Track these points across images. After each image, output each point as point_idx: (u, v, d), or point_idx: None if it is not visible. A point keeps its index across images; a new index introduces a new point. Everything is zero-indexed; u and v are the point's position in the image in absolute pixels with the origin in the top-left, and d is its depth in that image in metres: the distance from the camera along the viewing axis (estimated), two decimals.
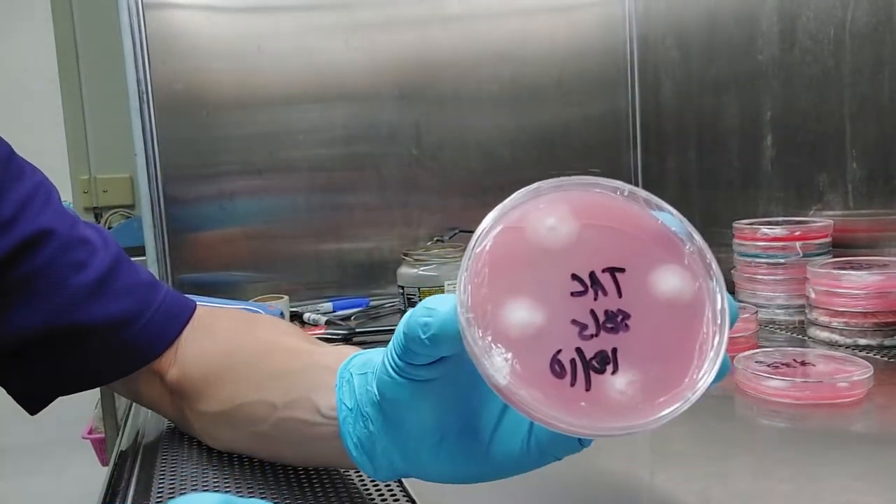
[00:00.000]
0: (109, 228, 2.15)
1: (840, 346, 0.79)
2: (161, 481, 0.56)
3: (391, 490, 0.52)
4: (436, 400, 0.40)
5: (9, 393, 0.59)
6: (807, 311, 0.84)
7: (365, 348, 0.49)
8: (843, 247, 0.90)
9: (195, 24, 1.15)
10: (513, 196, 0.33)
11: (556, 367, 0.31)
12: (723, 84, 1.11)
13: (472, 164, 1.27)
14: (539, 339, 0.31)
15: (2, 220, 0.53)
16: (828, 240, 0.90)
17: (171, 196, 1.14)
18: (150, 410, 0.68)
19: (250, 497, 0.52)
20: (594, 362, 0.31)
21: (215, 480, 0.55)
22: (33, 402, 0.60)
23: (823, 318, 0.81)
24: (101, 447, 1.90)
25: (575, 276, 0.32)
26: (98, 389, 1.43)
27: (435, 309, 0.35)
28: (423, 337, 0.35)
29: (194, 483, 0.55)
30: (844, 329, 0.79)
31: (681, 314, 0.32)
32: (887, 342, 0.78)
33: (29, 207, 0.55)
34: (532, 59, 1.28)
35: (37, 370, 0.58)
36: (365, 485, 0.53)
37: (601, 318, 0.32)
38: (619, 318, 0.32)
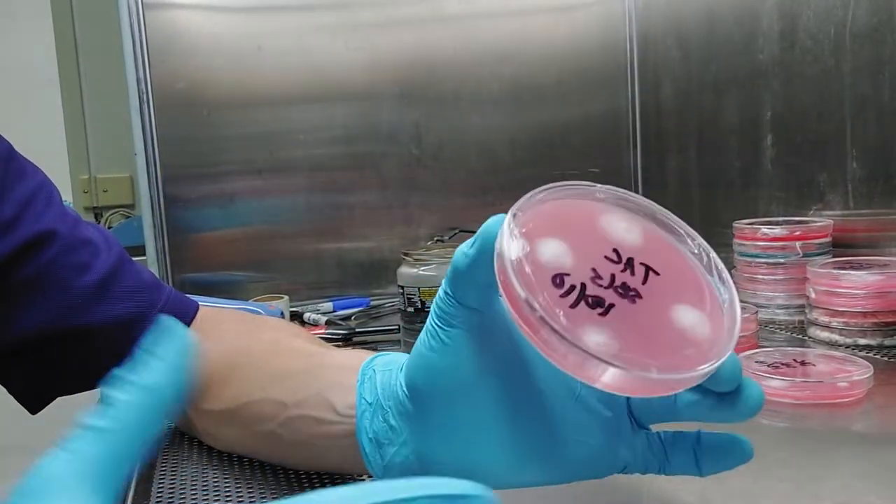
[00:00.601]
0: (109, 228, 2.15)
1: (840, 345, 0.79)
2: (161, 481, 0.56)
3: None
4: (484, 367, 0.39)
5: (9, 392, 0.59)
6: (807, 311, 0.84)
7: (365, 349, 0.49)
8: (843, 247, 0.90)
9: (195, 23, 1.15)
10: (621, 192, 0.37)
11: (557, 280, 0.33)
12: (723, 83, 1.11)
13: (472, 163, 1.27)
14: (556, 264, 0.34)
15: (3, 222, 0.53)
16: (828, 240, 0.90)
17: (171, 196, 1.14)
18: None
19: (251, 500, 0.52)
20: (588, 297, 0.33)
21: (215, 481, 0.55)
22: (34, 401, 0.60)
23: (823, 318, 0.81)
24: None
25: (615, 251, 0.35)
26: (98, 389, 1.42)
27: (477, 236, 0.36)
28: (467, 254, 0.36)
29: (194, 483, 0.55)
30: (844, 329, 0.79)
31: (682, 341, 0.34)
32: (887, 342, 0.78)
33: (31, 208, 0.55)
34: (532, 59, 1.28)
35: (38, 371, 0.58)
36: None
37: (617, 282, 0.34)
38: (632, 294, 0.34)
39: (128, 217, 2.18)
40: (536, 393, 0.39)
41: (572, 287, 0.33)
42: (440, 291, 0.39)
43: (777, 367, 0.67)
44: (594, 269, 0.34)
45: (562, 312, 0.32)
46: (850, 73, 0.89)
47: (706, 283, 0.37)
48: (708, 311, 0.36)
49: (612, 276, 0.34)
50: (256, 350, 0.57)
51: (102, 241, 0.58)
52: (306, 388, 0.49)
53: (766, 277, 0.91)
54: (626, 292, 0.34)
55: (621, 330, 0.33)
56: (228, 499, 0.52)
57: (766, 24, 1.01)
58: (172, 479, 0.56)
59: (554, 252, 0.34)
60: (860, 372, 0.64)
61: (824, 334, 0.81)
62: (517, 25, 1.28)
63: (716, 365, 0.33)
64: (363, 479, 0.54)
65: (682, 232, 0.38)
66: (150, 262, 1.14)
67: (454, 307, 0.38)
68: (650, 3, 1.27)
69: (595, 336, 0.32)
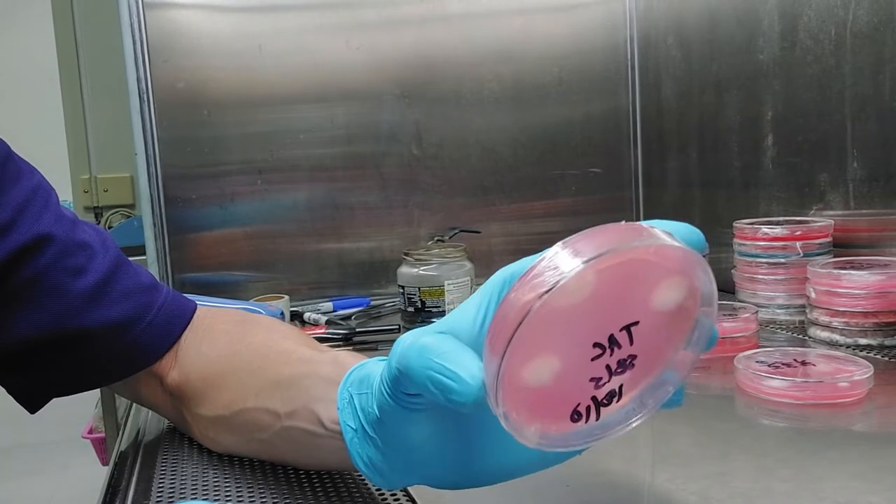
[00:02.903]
0: (109, 228, 2.15)
1: (840, 345, 0.79)
2: (161, 481, 0.56)
3: (391, 490, 0.52)
4: (434, 420, 0.40)
5: (8, 392, 0.59)
6: (807, 310, 0.84)
7: (365, 348, 0.49)
8: (843, 246, 0.90)
9: (196, 23, 1.15)
10: (540, 261, 0.33)
11: (575, 416, 0.35)
12: (724, 83, 1.11)
13: (472, 163, 1.27)
14: (560, 398, 0.34)
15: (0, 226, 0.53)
16: (828, 240, 0.90)
17: (171, 195, 1.14)
18: (150, 410, 0.68)
19: (251, 500, 0.52)
20: (604, 400, 0.35)
21: (216, 481, 0.55)
22: (32, 401, 0.60)
23: (824, 318, 0.81)
24: (102, 447, 1.91)
25: (596, 344, 0.34)
26: (98, 389, 1.43)
27: (456, 372, 0.34)
28: (442, 397, 0.34)
29: (195, 483, 0.55)
30: (845, 329, 0.79)
31: (671, 322, 0.36)
32: (888, 342, 0.78)
33: (27, 211, 0.54)
34: (533, 58, 1.28)
35: (35, 373, 0.58)
36: (366, 485, 0.53)
37: (614, 367, 0.35)
38: (629, 361, 0.35)
39: (128, 217, 2.18)
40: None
41: (588, 410, 0.36)
42: (383, 383, 0.40)
43: (778, 367, 0.67)
44: (592, 377, 0.35)
45: (597, 432, 0.37)
46: (851, 73, 0.89)
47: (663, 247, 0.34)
48: (678, 269, 0.35)
49: (608, 368, 0.35)
50: (249, 355, 0.57)
51: (99, 244, 0.58)
52: (296, 399, 0.50)
53: (766, 277, 0.91)
54: (624, 367, 0.35)
55: (636, 383, 0.37)
56: (228, 499, 0.52)
57: (766, 24, 1.01)
58: (172, 480, 0.56)
59: (545, 383, 0.34)
60: (861, 372, 0.64)
61: (825, 334, 0.81)
62: (518, 25, 1.28)
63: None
64: (362, 476, 0.54)
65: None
66: (151, 262, 1.14)
67: (402, 396, 0.39)
68: (651, 3, 1.27)
69: (622, 407, 0.37)
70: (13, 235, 0.53)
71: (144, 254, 1.14)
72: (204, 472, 0.57)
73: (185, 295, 0.64)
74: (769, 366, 0.67)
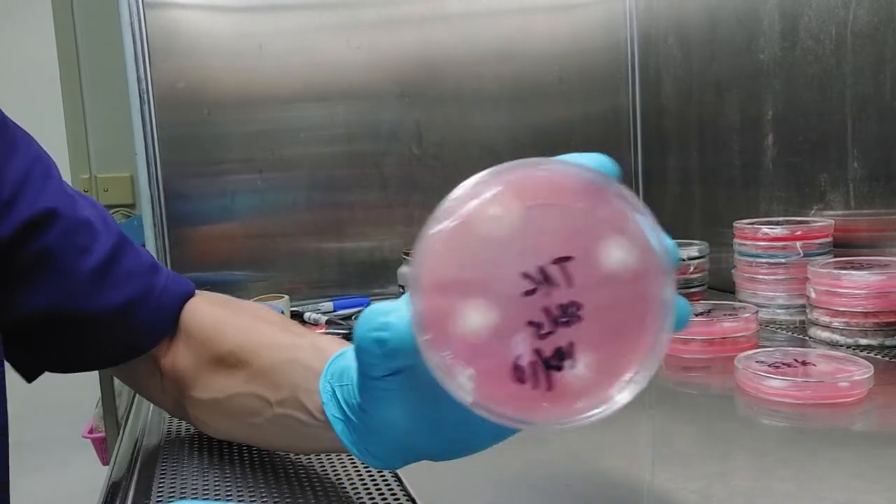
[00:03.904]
0: None
1: (841, 345, 0.79)
2: (162, 481, 0.56)
3: (391, 490, 0.52)
4: (410, 400, 0.40)
5: (7, 360, 0.58)
6: (807, 310, 0.84)
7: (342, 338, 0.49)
8: (843, 246, 0.90)
9: (196, 22, 1.15)
10: (456, 190, 0.32)
11: (518, 373, 0.31)
12: (724, 83, 1.11)
13: (473, 162, 1.27)
14: (498, 346, 0.31)
15: (1, 202, 0.52)
16: (828, 239, 0.90)
17: (171, 195, 1.14)
18: (150, 410, 0.68)
19: (252, 500, 0.52)
20: (552, 360, 0.32)
21: (216, 481, 0.55)
22: (30, 371, 0.59)
23: (824, 318, 0.81)
24: (102, 446, 1.91)
25: (525, 275, 0.31)
26: (99, 388, 1.43)
27: (389, 322, 0.34)
28: (378, 352, 0.34)
29: (195, 483, 0.55)
30: (845, 329, 0.79)
31: (628, 285, 0.32)
32: (888, 342, 0.78)
33: (28, 186, 0.53)
34: (533, 58, 1.28)
35: (35, 350, 0.57)
36: (366, 485, 0.53)
37: (555, 314, 0.31)
38: (573, 310, 0.32)
39: (128, 216, 2.18)
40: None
41: (533, 367, 0.32)
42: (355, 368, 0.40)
43: (778, 366, 0.67)
44: (529, 321, 0.31)
45: (545, 403, 0.32)
46: (852, 73, 0.89)
47: (604, 193, 0.32)
48: (629, 228, 0.32)
49: (547, 311, 0.31)
50: (234, 337, 0.57)
51: (101, 222, 0.58)
52: (283, 387, 0.50)
53: (766, 277, 0.91)
54: (569, 316, 0.32)
55: (590, 346, 0.32)
56: (229, 498, 0.52)
57: (767, 24, 1.01)
58: (173, 479, 0.56)
59: (479, 328, 0.31)
60: (861, 372, 0.64)
61: (825, 334, 0.81)
62: (518, 24, 1.28)
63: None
64: (361, 477, 0.54)
65: (539, 160, 0.33)
66: None
67: (368, 381, 0.39)
68: (651, 2, 1.27)
69: (577, 373, 0.32)
70: (16, 212, 0.52)
71: None
72: (204, 472, 0.57)
73: (182, 276, 0.64)
74: (769, 366, 0.67)
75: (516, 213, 0.31)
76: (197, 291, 0.63)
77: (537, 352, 0.31)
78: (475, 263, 0.31)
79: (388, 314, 0.34)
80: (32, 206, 0.53)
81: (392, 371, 0.37)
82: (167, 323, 0.60)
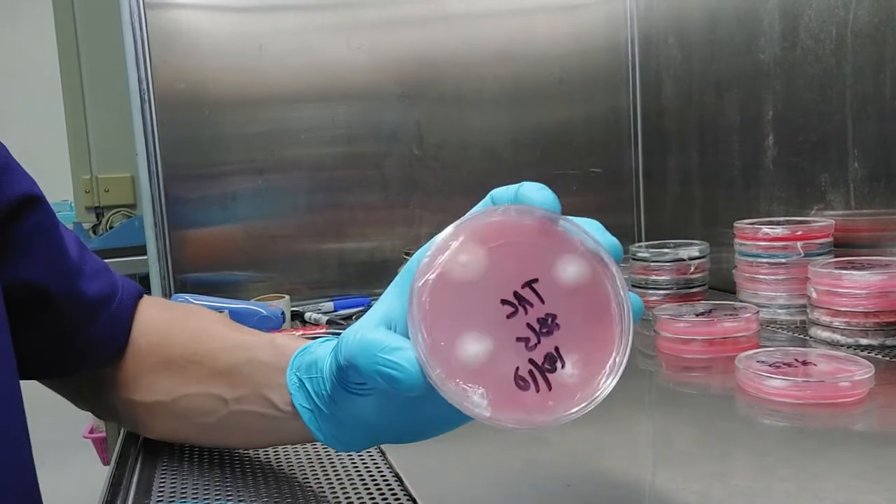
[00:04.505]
0: (111, 228, 2.15)
1: (841, 345, 0.79)
2: (162, 481, 0.56)
3: (392, 489, 0.52)
4: (380, 397, 0.42)
5: None
6: (808, 310, 0.84)
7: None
8: (844, 246, 0.90)
9: (196, 23, 1.15)
10: (427, 247, 0.38)
11: (520, 382, 0.36)
12: (724, 83, 1.11)
13: (473, 163, 1.27)
14: (498, 364, 0.36)
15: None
16: (829, 239, 0.90)
17: (172, 195, 1.14)
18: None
19: (252, 500, 0.52)
20: (546, 365, 0.37)
21: (216, 481, 0.55)
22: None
23: (825, 318, 0.81)
24: (102, 446, 1.91)
25: (504, 301, 0.37)
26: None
27: (398, 363, 0.36)
28: (389, 386, 0.37)
29: (195, 483, 0.55)
30: (846, 329, 0.79)
31: (588, 292, 0.38)
32: (889, 342, 0.78)
33: (8, 170, 0.52)
34: (533, 58, 1.28)
35: (23, 336, 0.53)
36: (366, 485, 0.53)
37: (537, 327, 0.37)
38: (550, 321, 0.37)
39: (129, 217, 2.18)
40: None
41: (532, 375, 0.37)
42: (332, 375, 0.44)
43: (778, 366, 0.67)
44: (518, 338, 0.37)
45: (551, 402, 0.36)
46: (852, 73, 0.89)
47: (548, 227, 0.39)
48: (577, 250, 0.38)
49: (530, 326, 0.37)
50: (183, 340, 0.57)
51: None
52: (241, 384, 0.52)
53: (767, 277, 0.91)
54: (548, 326, 0.37)
55: (573, 348, 0.37)
56: (230, 498, 0.52)
57: (767, 24, 1.01)
58: (174, 480, 0.56)
59: (478, 354, 0.36)
60: (861, 372, 0.64)
61: (826, 334, 0.81)
62: (519, 25, 1.28)
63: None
64: (362, 477, 0.54)
65: (490, 210, 0.39)
66: (151, 262, 1.14)
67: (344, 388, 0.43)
68: (652, 3, 1.27)
69: (568, 373, 0.37)
70: (10, 186, 0.52)
71: (145, 253, 1.14)
72: (204, 473, 0.57)
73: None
74: (770, 365, 0.67)
75: (481, 256, 0.37)
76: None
77: (531, 361, 0.37)
78: (460, 303, 0.37)
79: (394, 352, 0.37)
80: (17, 190, 0.52)
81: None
82: (129, 322, 0.59)
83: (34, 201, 0.53)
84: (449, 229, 0.38)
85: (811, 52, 0.94)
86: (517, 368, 0.36)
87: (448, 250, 0.37)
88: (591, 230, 0.39)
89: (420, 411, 0.43)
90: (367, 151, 1.23)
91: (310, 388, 0.47)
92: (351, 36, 1.21)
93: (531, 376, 0.36)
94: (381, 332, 0.38)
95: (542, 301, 0.37)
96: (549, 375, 0.37)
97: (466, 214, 0.39)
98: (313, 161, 1.21)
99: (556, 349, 0.37)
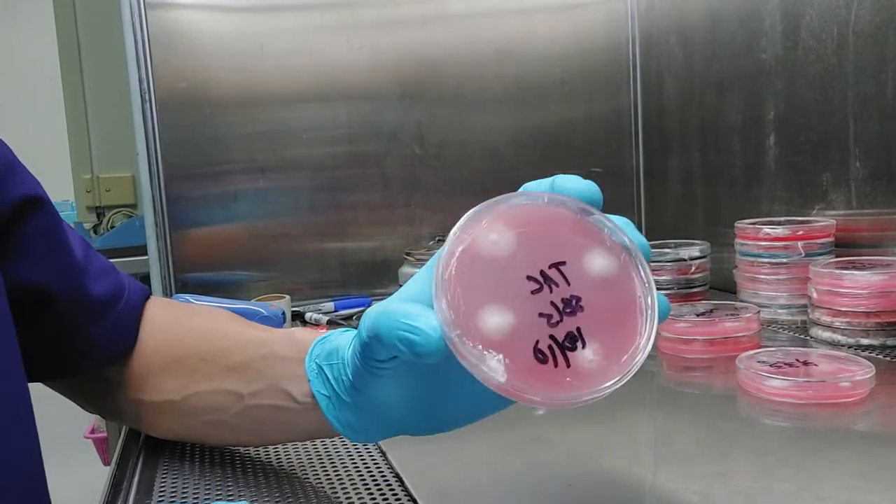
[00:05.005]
0: (112, 228, 2.15)
1: (842, 345, 0.79)
2: (163, 481, 0.56)
3: (392, 489, 0.52)
4: (404, 381, 0.43)
5: None
6: (809, 310, 0.84)
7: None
8: (845, 246, 0.90)
9: (197, 22, 1.15)
10: (459, 222, 0.38)
11: (539, 355, 0.36)
12: (726, 83, 1.11)
13: (474, 162, 1.27)
14: (518, 336, 0.36)
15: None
16: (830, 239, 0.90)
17: (173, 195, 1.14)
18: None
19: (253, 500, 0.52)
20: (566, 342, 0.37)
21: (217, 481, 0.55)
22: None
23: (826, 318, 0.81)
24: (103, 446, 1.91)
25: (529, 277, 0.37)
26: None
27: (418, 327, 0.36)
28: (409, 352, 0.37)
29: (196, 482, 0.55)
30: (847, 329, 0.79)
31: (615, 285, 0.38)
32: (890, 342, 0.78)
33: (12, 172, 0.53)
34: (534, 58, 1.28)
35: (28, 337, 0.53)
36: (366, 484, 0.53)
37: (560, 306, 0.37)
38: (574, 302, 0.37)
39: (130, 217, 2.18)
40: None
41: (551, 349, 0.37)
42: (356, 355, 0.43)
43: (779, 366, 0.67)
44: (540, 313, 0.37)
45: (569, 378, 0.36)
46: (853, 73, 0.89)
47: (581, 222, 0.39)
48: (606, 244, 0.39)
49: (553, 304, 0.37)
50: (193, 339, 0.57)
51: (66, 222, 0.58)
52: (258, 380, 0.52)
53: (768, 277, 0.91)
54: (572, 307, 0.37)
55: (595, 333, 0.37)
56: (231, 498, 0.52)
57: (768, 24, 1.01)
58: (175, 480, 0.56)
59: (500, 324, 0.36)
60: (862, 372, 0.64)
61: (826, 334, 0.81)
62: (519, 24, 1.28)
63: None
64: (361, 475, 0.54)
65: (519, 194, 0.40)
66: (152, 262, 1.14)
67: (375, 363, 0.42)
68: (653, 2, 1.27)
69: (588, 357, 0.37)
70: (13, 187, 0.52)
71: (146, 253, 1.14)
72: (205, 473, 0.57)
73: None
74: (771, 366, 0.67)
75: (511, 237, 0.38)
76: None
77: (552, 337, 0.37)
78: (486, 276, 0.37)
79: (416, 318, 0.37)
80: (19, 191, 0.52)
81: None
82: (136, 322, 0.59)
83: (37, 203, 0.53)
84: (471, 212, 0.38)
85: (813, 51, 0.94)
86: (537, 342, 0.36)
87: (478, 227, 0.38)
88: (623, 227, 0.39)
89: (441, 395, 0.43)
90: (368, 151, 1.23)
91: (329, 375, 0.47)
92: (351, 36, 1.21)
93: (550, 351, 0.36)
94: (405, 303, 0.38)
95: (568, 283, 0.38)
96: (568, 353, 0.37)
97: (497, 198, 0.39)
98: (314, 161, 1.21)
99: (578, 329, 0.37)
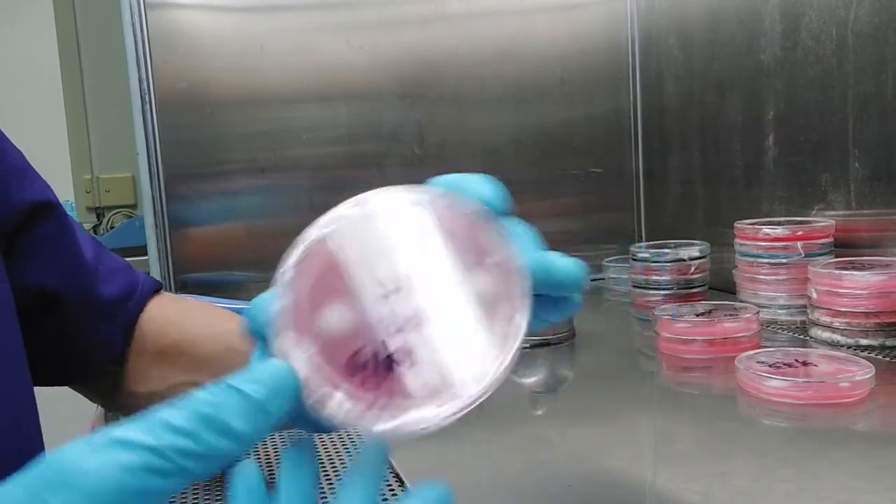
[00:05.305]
0: (112, 228, 2.15)
1: (842, 346, 0.79)
2: None
3: (392, 489, 0.52)
4: None
5: None
6: (808, 311, 0.84)
7: None
8: (845, 247, 0.90)
9: (197, 23, 1.15)
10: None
11: (358, 357, 0.32)
12: (725, 83, 1.11)
13: (474, 162, 1.27)
14: (344, 339, 0.33)
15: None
16: (830, 240, 0.90)
17: (173, 195, 1.14)
18: None
19: None
20: (395, 356, 0.32)
21: (217, 480, 0.55)
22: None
23: (825, 319, 0.81)
24: None
25: (378, 282, 0.34)
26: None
27: (255, 303, 0.35)
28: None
29: (195, 482, 0.55)
30: (846, 329, 0.79)
31: (481, 303, 0.33)
32: (889, 342, 0.78)
33: (23, 176, 0.54)
34: (534, 58, 1.28)
35: (35, 338, 0.54)
36: None
37: (400, 321, 0.33)
38: (419, 315, 0.33)
39: (130, 217, 2.18)
40: None
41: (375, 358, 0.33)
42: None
43: (779, 367, 0.67)
44: (378, 319, 0.33)
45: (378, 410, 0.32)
46: (853, 73, 0.89)
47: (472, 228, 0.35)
48: (487, 263, 0.34)
49: (393, 313, 0.33)
50: (173, 330, 0.58)
51: (77, 222, 0.58)
52: (223, 373, 0.51)
53: (767, 278, 0.91)
54: (414, 322, 0.33)
55: (433, 350, 0.32)
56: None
57: (768, 24, 1.01)
58: None
59: (340, 321, 0.33)
60: (862, 372, 0.64)
61: (826, 334, 0.81)
62: (519, 24, 1.28)
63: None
64: None
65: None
66: (152, 262, 1.14)
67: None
68: (653, 2, 1.27)
69: (412, 380, 0.32)
70: (22, 193, 0.52)
71: (146, 254, 1.14)
72: None
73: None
74: (770, 366, 0.67)
75: (370, 231, 0.36)
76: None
77: (383, 343, 0.32)
78: (333, 272, 0.35)
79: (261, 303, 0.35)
80: (34, 194, 0.53)
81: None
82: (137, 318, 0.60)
83: (47, 208, 0.54)
84: (351, 200, 0.37)
85: (812, 52, 0.94)
86: (362, 347, 0.32)
87: (338, 218, 0.36)
88: (526, 241, 0.35)
89: None
90: (368, 151, 1.23)
91: None
92: (351, 36, 1.21)
93: (374, 359, 0.32)
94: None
95: (420, 294, 0.33)
96: (392, 366, 0.32)
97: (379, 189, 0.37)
98: (314, 161, 1.21)
99: (412, 347, 0.32)
